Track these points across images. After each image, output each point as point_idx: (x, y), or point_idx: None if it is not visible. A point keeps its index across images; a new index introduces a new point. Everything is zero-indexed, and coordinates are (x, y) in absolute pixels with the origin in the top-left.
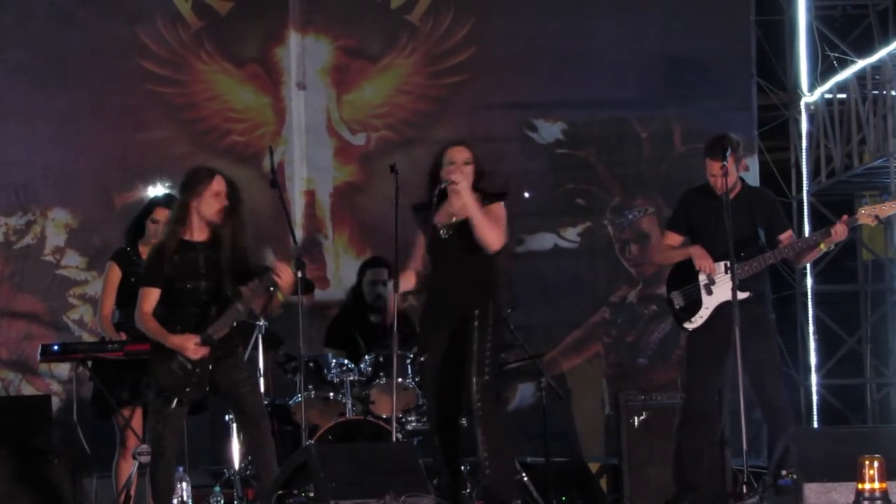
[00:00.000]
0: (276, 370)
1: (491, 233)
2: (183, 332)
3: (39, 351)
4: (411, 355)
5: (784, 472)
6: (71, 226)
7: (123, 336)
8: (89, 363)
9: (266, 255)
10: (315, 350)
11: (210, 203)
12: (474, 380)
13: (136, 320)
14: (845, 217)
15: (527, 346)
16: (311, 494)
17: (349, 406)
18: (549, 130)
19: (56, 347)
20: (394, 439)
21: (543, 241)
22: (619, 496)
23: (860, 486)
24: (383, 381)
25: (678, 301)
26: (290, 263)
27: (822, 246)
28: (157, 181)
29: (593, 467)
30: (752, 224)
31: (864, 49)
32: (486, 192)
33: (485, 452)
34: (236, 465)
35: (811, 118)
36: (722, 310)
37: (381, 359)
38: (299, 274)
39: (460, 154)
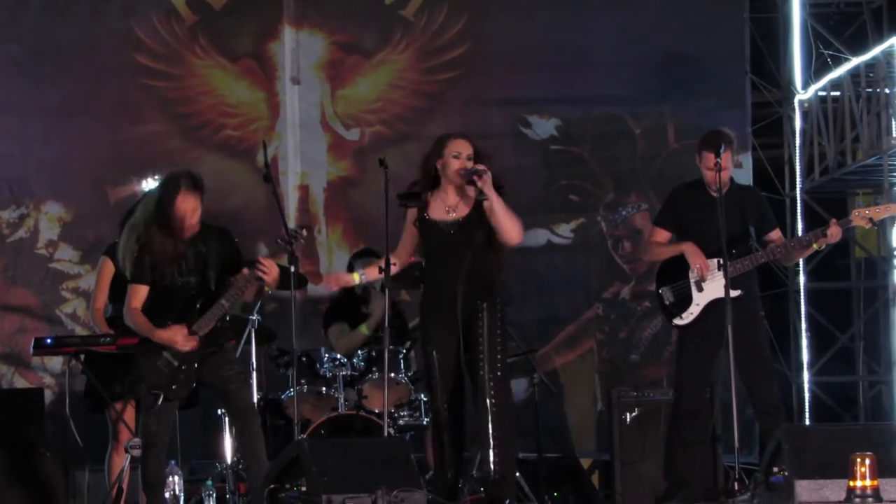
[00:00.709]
0: (268, 364)
1: (513, 225)
2: (171, 326)
3: (32, 344)
4: (404, 350)
5: (776, 469)
6: (64, 219)
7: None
8: (82, 356)
9: (258, 249)
10: (308, 345)
11: (176, 225)
12: (488, 377)
13: (124, 316)
14: (833, 220)
15: (519, 342)
16: (304, 489)
17: (341, 401)
18: (543, 126)
19: (49, 341)
20: (386, 434)
21: (537, 236)
22: (610, 492)
23: (852, 483)
24: (375, 375)
25: (668, 297)
26: (280, 257)
27: (814, 245)
28: (150, 175)
29: (585, 463)
30: (744, 221)
31: (858, 47)
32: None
33: (496, 449)
34: (229, 459)
35: (805, 116)
36: (712, 306)
37: (374, 353)
38: (293, 269)
39: (466, 147)
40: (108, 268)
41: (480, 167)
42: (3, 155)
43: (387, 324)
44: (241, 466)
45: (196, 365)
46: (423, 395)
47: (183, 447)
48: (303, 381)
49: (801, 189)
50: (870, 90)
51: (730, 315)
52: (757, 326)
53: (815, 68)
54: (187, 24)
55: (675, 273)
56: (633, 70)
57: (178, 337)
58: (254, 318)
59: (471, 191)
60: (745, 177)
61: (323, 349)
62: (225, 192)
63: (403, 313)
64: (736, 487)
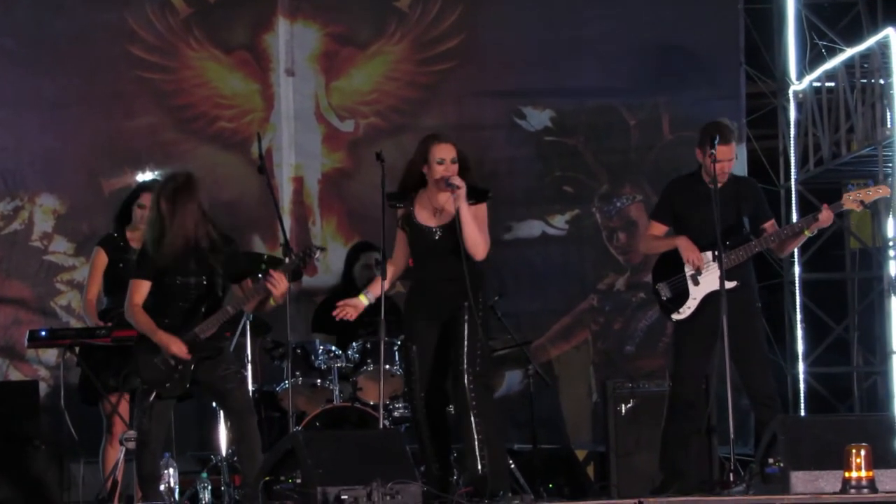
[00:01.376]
0: (263, 357)
1: (480, 243)
2: (170, 326)
3: (27, 336)
4: (398, 342)
5: (771, 460)
6: (59, 212)
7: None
8: (77, 349)
9: (253, 241)
10: (302, 337)
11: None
12: (467, 370)
13: (125, 312)
14: (825, 205)
15: (514, 334)
16: (299, 481)
17: (336, 393)
18: (538, 118)
19: (44, 333)
20: (381, 426)
21: (531, 228)
22: (605, 483)
23: (847, 474)
24: (370, 367)
25: (665, 292)
26: (286, 272)
27: (806, 232)
28: (145, 167)
29: (580, 455)
30: (738, 213)
31: (853, 37)
32: (471, 189)
33: (480, 444)
34: (223, 452)
35: (799, 106)
36: (709, 299)
37: (369, 345)
38: (287, 260)
39: (449, 152)
40: (102, 259)
41: (455, 182)
42: None
43: (382, 316)
44: (235, 459)
45: (192, 366)
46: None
47: (178, 439)
48: (297, 373)
49: (796, 180)
50: (864, 81)
51: (724, 307)
52: (753, 317)
53: (810, 59)
54: (181, 15)
55: (671, 268)
56: (627, 61)
57: (173, 348)
58: None
59: (449, 197)
60: (739, 168)
61: (317, 341)
62: (219, 184)
63: (399, 306)
64: (731, 479)
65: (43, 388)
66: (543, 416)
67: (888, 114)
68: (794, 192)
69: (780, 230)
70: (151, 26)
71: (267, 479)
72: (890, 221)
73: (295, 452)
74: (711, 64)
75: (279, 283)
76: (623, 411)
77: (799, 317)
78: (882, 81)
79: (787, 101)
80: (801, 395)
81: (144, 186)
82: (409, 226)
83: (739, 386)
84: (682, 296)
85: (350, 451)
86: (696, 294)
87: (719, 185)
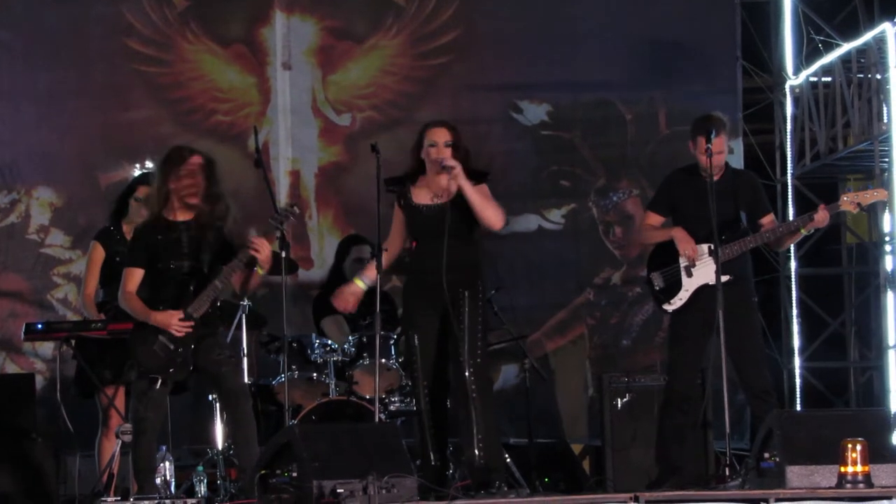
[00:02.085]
0: (259, 350)
1: (493, 212)
2: (165, 310)
3: (23, 329)
4: (394, 336)
5: (767, 455)
6: (56, 205)
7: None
8: (73, 342)
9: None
10: (299, 330)
11: (186, 184)
12: (469, 362)
13: (119, 300)
14: (822, 205)
15: (510, 328)
16: (294, 475)
17: (332, 386)
18: (534, 112)
19: (40, 326)
20: (377, 420)
21: (527, 222)
22: (601, 478)
23: (843, 468)
24: (366, 361)
25: (658, 282)
26: (272, 239)
27: (802, 230)
28: (141, 160)
29: (576, 449)
30: (736, 207)
31: (850, 32)
32: (469, 171)
33: (479, 435)
34: (219, 445)
35: (796, 101)
36: (703, 292)
37: (365, 339)
38: (283, 254)
39: (441, 135)
40: (99, 253)
41: (449, 163)
42: None
43: (377, 309)
44: (231, 452)
45: (192, 347)
46: (411, 381)
47: (174, 433)
48: (293, 366)
49: (792, 175)
50: (861, 76)
51: (721, 300)
52: (749, 312)
53: (807, 54)
54: (178, 9)
55: (666, 258)
56: (624, 56)
57: (173, 321)
58: (244, 303)
59: (446, 179)
60: (736, 162)
61: (313, 335)
62: None
63: (394, 299)
64: (727, 473)
65: (39, 380)
66: (539, 411)
67: (884, 109)
68: (790, 187)
69: (776, 227)
70: (148, 19)
71: (263, 472)
72: (886, 217)
73: (291, 446)
74: (708, 59)
75: (261, 247)
76: (619, 405)
77: (795, 311)
78: (878, 76)
79: (784, 95)
80: (797, 389)
81: (141, 180)
82: (407, 210)
83: (735, 380)
84: (674, 286)
85: (346, 445)
86: (689, 286)
87: (715, 177)
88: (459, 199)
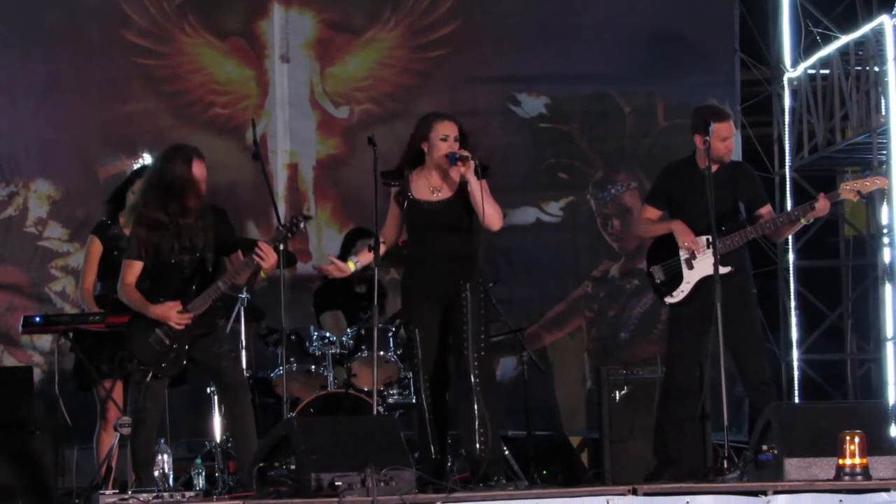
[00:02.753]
0: (257, 343)
1: (496, 214)
2: (164, 303)
3: (21, 322)
4: (393, 328)
5: (765, 447)
6: (54, 197)
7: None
8: (71, 335)
9: (247, 227)
10: (297, 323)
11: (187, 193)
12: (473, 355)
13: (118, 292)
14: (822, 193)
15: (509, 320)
16: (293, 467)
17: (331, 379)
18: (532, 104)
19: (38, 319)
20: (375, 412)
21: (526, 215)
22: (599, 470)
23: (841, 461)
24: (365, 354)
25: (658, 275)
26: (274, 243)
27: (802, 220)
28: (139, 153)
29: (574, 441)
30: (734, 198)
31: (848, 25)
32: (475, 166)
33: (481, 428)
34: (218, 438)
35: (794, 94)
36: (703, 284)
37: (363, 332)
38: (281, 247)
39: (452, 129)
40: (97, 247)
41: (465, 153)
42: None
43: (375, 302)
44: (230, 445)
45: (187, 345)
46: (411, 374)
47: (172, 426)
48: (292, 359)
49: (791, 167)
50: (859, 68)
51: (719, 292)
52: (748, 303)
53: (805, 46)
54: (176, 1)
55: (666, 251)
56: (622, 48)
57: (172, 313)
58: (243, 296)
59: (455, 172)
60: (734, 155)
61: (312, 327)
62: (214, 170)
63: (388, 292)
64: (725, 465)
65: (37, 373)
66: (537, 403)
67: (882, 101)
68: (788, 180)
69: (775, 217)
70: (146, 12)
71: (261, 465)
72: (884, 209)
73: (289, 439)
74: (706, 51)
75: (268, 255)
76: (617, 398)
77: (793, 304)
78: (877, 69)
79: (782, 88)
80: (795, 381)
81: (139, 173)
82: (405, 202)
83: (734, 372)
84: (675, 279)
85: (344, 438)
86: (690, 278)
87: (714, 169)
88: (459, 194)
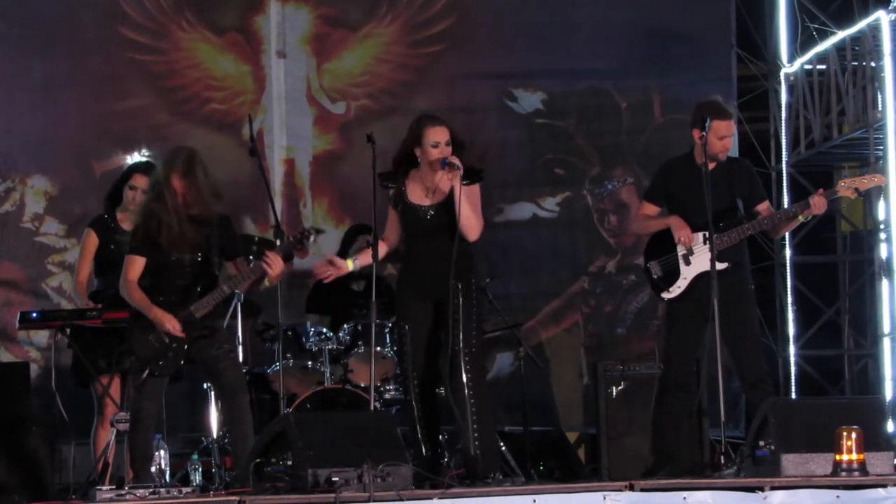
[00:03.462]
0: (254, 339)
1: (474, 224)
2: (166, 303)
3: (18, 318)
4: (390, 324)
5: (762, 443)
6: (50, 193)
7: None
8: (68, 330)
9: (244, 223)
10: (294, 319)
11: (191, 191)
12: (464, 352)
13: (120, 288)
14: (821, 190)
15: (505, 316)
16: (289, 463)
17: (327, 375)
18: (529, 100)
19: (35, 314)
20: (372, 408)
21: (522, 210)
22: (596, 466)
23: (838, 456)
24: (361, 349)
25: (656, 271)
26: (281, 253)
27: (800, 217)
28: (136, 149)
29: (571, 437)
30: (731, 195)
31: (844, 20)
32: (466, 169)
33: (475, 425)
34: (214, 434)
35: (791, 89)
36: (700, 280)
37: (360, 328)
38: (278, 242)
39: (443, 134)
40: (92, 241)
41: (455, 161)
42: None
43: (374, 298)
44: (226, 440)
45: (186, 346)
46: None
47: (169, 421)
48: (288, 355)
49: (787, 162)
50: (855, 64)
51: (716, 288)
52: (746, 299)
53: (801, 42)
54: None
55: (663, 247)
56: (618, 44)
57: (167, 326)
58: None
59: (446, 177)
60: (730, 150)
61: (308, 323)
62: (211, 165)
63: (391, 287)
64: (722, 461)
65: (34, 369)
66: (534, 399)
67: (879, 97)
68: (785, 175)
69: (773, 214)
70: (142, 7)
71: (258, 460)
72: (881, 204)
73: (286, 434)
74: (702, 46)
75: (275, 264)
76: (614, 394)
77: (790, 299)
78: (873, 64)
79: (779, 83)
80: (793, 377)
81: (136, 168)
82: (401, 205)
83: (731, 368)
84: (672, 275)
85: (341, 433)
86: (687, 274)
87: (711, 165)
88: (452, 197)
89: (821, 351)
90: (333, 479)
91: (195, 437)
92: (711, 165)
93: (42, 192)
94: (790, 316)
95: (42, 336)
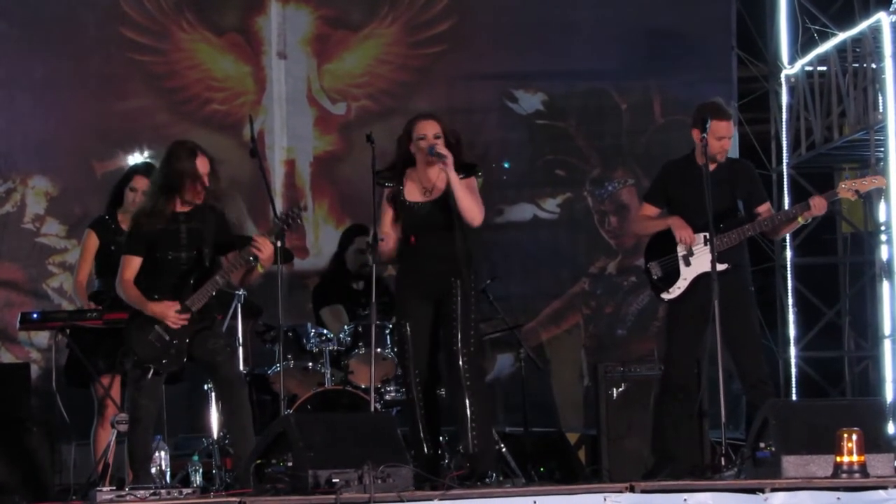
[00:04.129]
0: (255, 340)
1: (475, 209)
2: (161, 300)
3: (19, 319)
4: (390, 325)
5: (762, 445)
6: (51, 194)
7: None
8: (68, 331)
9: (246, 223)
10: (294, 320)
11: (191, 186)
12: (462, 351)
13: (116, 287)
14: (822, 194)
15: (506, 317)
16: (290, 464)
17: (328, 376)
18: (530, 101)
19: (35, 315)
20: (372, 409)
21: (523, 211)
22: (597, 467)
23: (838, 458)
24: (362, 350)
25: (656, 271)
26: (270, 236)
27: (800, 219)
28: (137, 150)
29: (572, 438)
30: (732, 196)
31: (845, 22)
32: (460, 163)
33: (473, 423)
34: (215, 435)
35: (791, 90)
36: (700, 281)
37: (360, 329)
38: (278, 244)
39: (430, 128)
40: (93, 241)
41: (442, 150)
42: None
43: (374, 299)
44: (227, 441)
45: (187, 340)
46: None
47: (169, 422)
48: (289, 356)
49: (788, 164)
50: (856, 65)
51: (716, 290)
52: (746, 301)
53: (802, 43)
54: None
55: (663, 248)
56: (619, 44)
57: (170, 312)
58: (240, 292)
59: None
60: (731, 152)
61: (309, 324)
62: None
63: (391, 288)
64: (722, 463)
65: (34, 370)
66: (535, 400)
67: (880, 98)
68: (785, 177)
69: (773, 215)
70: (143, 8)
71: (258, 462)
72: (882, 206)
73: (286, 435)
74: (703, 47)
75: (264, 247)
76: (614, 395)
77: (790, 301)
78: (874, 66)
79: (779, 85)
80: (793, 379)
81: (136, 170)
82: (398, 205)
83: (731, 370)
84: (672, 275)
85: (341, 435)
86: (687, 274)
87: (711, 166)
88: (450, 193)
89: (821, 352)
90: (334, 480)
91: (196, 437)
92: (712, 166)
93: (43, 193)
94: (791, 317)
95: (43, 337)
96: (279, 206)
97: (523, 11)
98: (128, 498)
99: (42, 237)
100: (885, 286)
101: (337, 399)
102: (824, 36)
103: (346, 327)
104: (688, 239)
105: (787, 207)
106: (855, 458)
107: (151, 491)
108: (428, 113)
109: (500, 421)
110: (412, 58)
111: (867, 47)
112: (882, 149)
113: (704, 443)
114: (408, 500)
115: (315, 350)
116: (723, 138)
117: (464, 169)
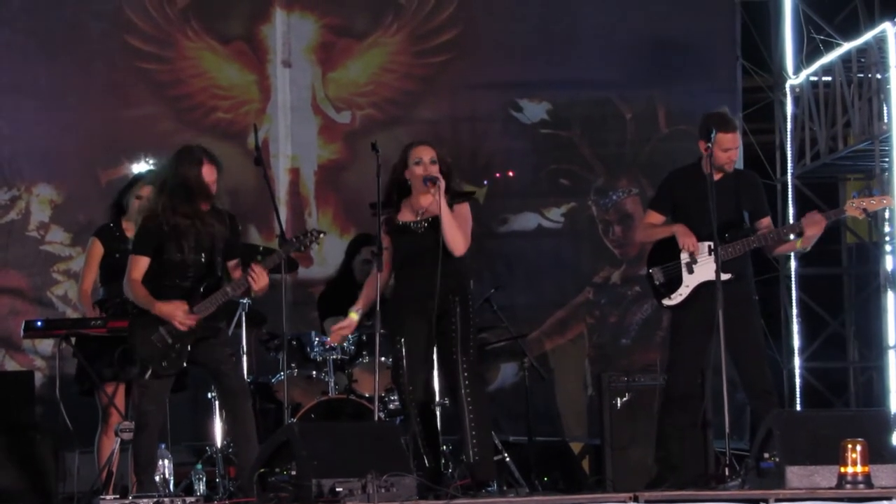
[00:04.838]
0: (259, 348)
1: (458, 238)
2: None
3: (23, 327)
4: None
5: (766, 455)
6: (56, 202)
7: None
8: (73, 339)
9: (249, 232)
10: (298, 328)
11: (195, 193)
12: (462, 359)
13: (124, 287)
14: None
15: (510, 326)
16: (293, 473)
17: (332, 385)
18: (534, 110)
19: (39, 323)
20: (376, 418)
21: (527, 221)
22: (601, 477)
23: (843, 469)
24: (366, 359)
25: (658, 277)
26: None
27: (798, 245)
28: (142, 158)
29: (575, 448)
30: (738, 206)
31: (850, 32)
32: (453, 192)
33: (472, 431)
34: (218, 443)
35: (796, 101)
36: (703, 290)
37: (364, 338)
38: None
39: (426, 153)
40: (98, 249)
41: (436, 176)
42: None
43: (378, 308)
44: (230, 450)
45: (189, 346)
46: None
47: (173, 430)
48: (293, 364)
49: (793, 174)
50: (861, 75)
51: (720, 299)
52: (750, 311)
53: (807, 53)
54: (179, 6)
55: (667, 254)
56: (623, 54)
57: (178, 313)
58: (244, 301)
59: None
60: (736, 162)
61: (313, 333)
62: None
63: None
64: (726, 473)
65: (39, 378)
66: (539, 409)
67: (885, 108)
68: (790, 187)
69: (779, 229)
70: (148, 16)
71: (262, 470)
72: (886, 216)
73: (290, 444)
74: (708, 57)
75: (259, 278)
76: (618, 405)
77: (795, 311)
78: (879, 76)
79: (784, 95)
80: (797, 389)
81: (142, 178)
82: (393, 230)
83: (735, 379)
84: (674, 282)
85: (345, 444)
86: (689, 282)
87: (717, 176)
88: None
89: (826, 363)
90: (337, 489)
91: (199, 446)
92: (718, 176)
93: (47, 201)
94: (795, 328)
95: (47, 345)
96: (283, 214)
97: (528, 21)
98: None
99: (47, 245)
100: (890, 297)
101: (341, 408)
102: (829, 46)
103: (350, 336)
104: (691, 246)
105: (791, 218)
106: (859, 468)
107: (155, 499)
108: (423, 140)
109: (504, 430)
110: (417, 67)
111: (872, 57)
112: (887, 159)
113: (708, 453)
114: None
115: (319, 359)
116: (729, 150)
117: (457, 196)
